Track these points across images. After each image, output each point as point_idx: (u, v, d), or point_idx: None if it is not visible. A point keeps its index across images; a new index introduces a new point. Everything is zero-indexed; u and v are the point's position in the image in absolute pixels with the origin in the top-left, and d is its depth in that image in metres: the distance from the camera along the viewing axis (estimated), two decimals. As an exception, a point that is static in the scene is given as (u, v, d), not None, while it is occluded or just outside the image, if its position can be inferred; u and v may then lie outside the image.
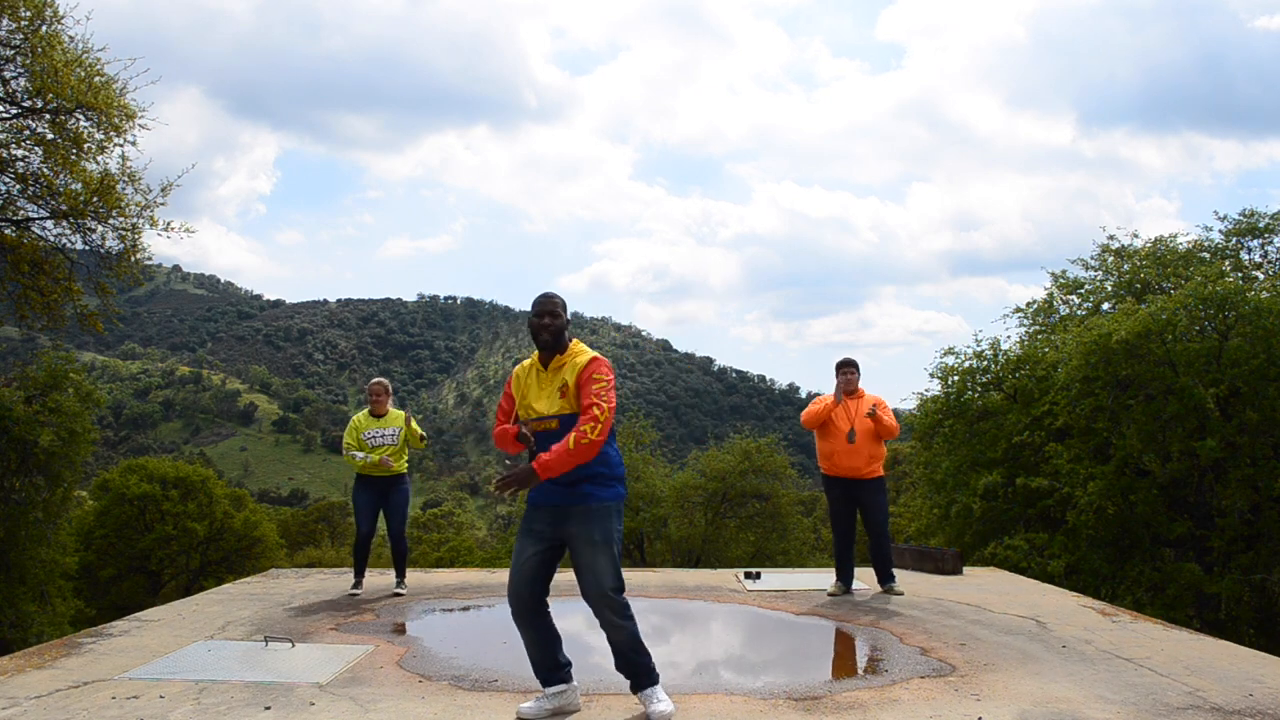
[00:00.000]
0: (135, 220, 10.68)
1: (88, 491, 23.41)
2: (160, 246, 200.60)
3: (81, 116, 10.07)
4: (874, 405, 6.26)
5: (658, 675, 3.57)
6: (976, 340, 13.81)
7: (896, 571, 7.01)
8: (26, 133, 10.25)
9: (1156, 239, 13.51)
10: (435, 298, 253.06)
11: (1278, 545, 10.09)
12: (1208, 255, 12.89)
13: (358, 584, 6.67)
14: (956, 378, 13.34)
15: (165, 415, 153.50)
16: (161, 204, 10.72)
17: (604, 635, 3.54)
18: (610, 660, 3.58)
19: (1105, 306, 13.22)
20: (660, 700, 3.49)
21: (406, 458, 6.70)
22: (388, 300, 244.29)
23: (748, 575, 7.19)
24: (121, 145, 10.38)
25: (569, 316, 3.67)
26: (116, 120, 10.15)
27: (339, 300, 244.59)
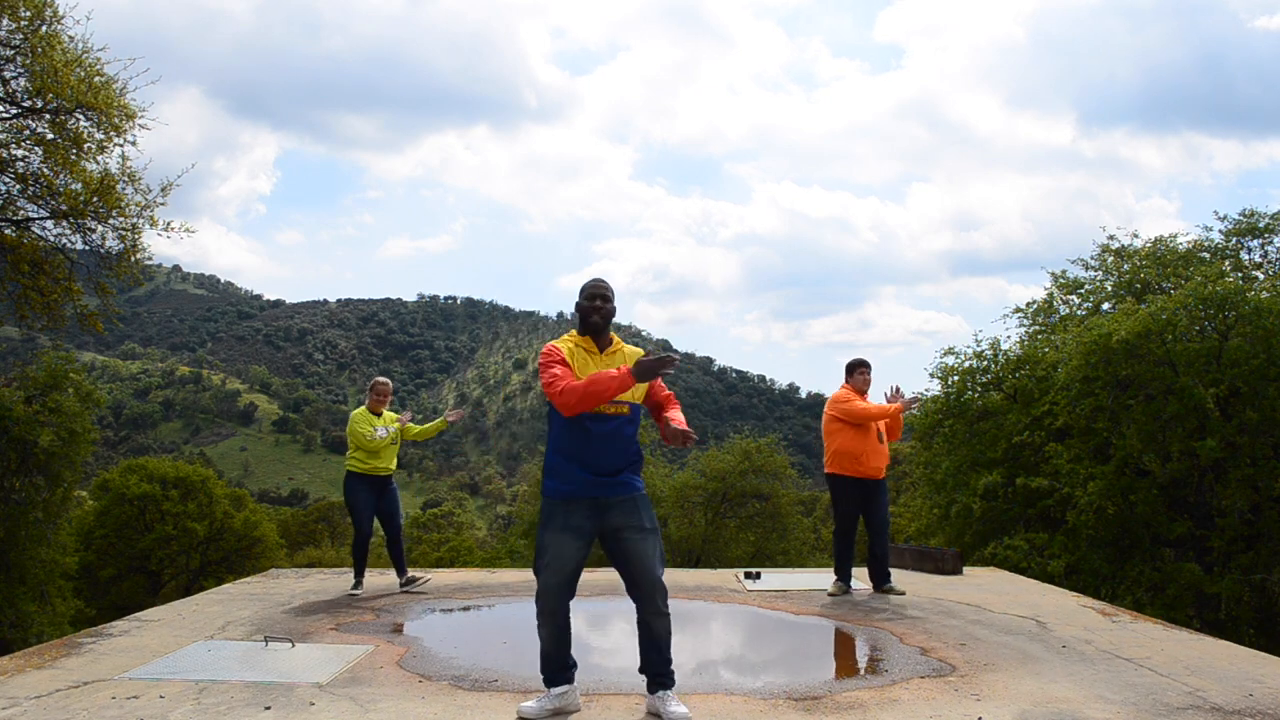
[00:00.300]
0: (135, 220, 10.69)
1: (88, 491, 23.42)
2: (160, 246, 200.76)
3: (81, 116, 10.07)
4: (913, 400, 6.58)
5: (675, 679, 3.61)
6: (976, 340, 13.84)
7: (896, 571, 7.03)
8: (26, 133, 10.26)
9: (1156, 239, 13.52)
10: (435, 298, 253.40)
11: (1278, 545, 10.09)
12: (1208, 255, 12.90)
13: (358, 584, 6.68)
14: (956, 378, 13.34)
15: (165, 415, 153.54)
16: (161, 204, 10.74)
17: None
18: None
19: (1105, 306, 13.22)
20: (679, 704, 3.50)
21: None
22: (388, 300, 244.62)
23: (748, 575, 7.20)
24: (121, 145, 10.40)
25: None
26: (116, 120, 10.15)
27: (339, 300, 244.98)
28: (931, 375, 13.66)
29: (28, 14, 9.56)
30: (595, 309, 3.58)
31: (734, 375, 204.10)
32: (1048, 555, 10.99)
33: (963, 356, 13.46)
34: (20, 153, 10.37)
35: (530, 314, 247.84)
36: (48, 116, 10.01)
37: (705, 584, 6.96)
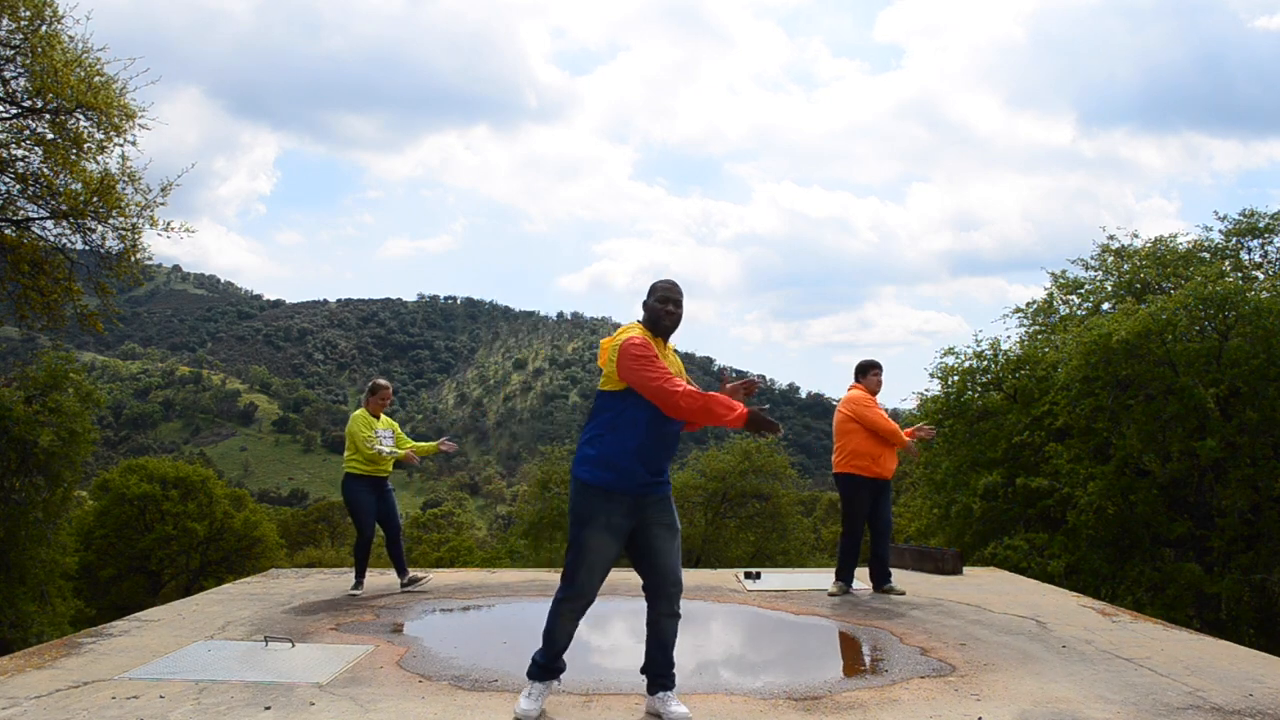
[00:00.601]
0: (135, 220, 10.69)
1: (88, 491, 23.41)
2: (160, 246, 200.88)
3: (81, 116, 10.07)
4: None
5: (676, 680, 3.62)
6: (976, 340, 13.82)
7: (896, 571, 7.03)
8: (26, 133, 10.26)
9: (1156, 239, 13.51)
10: (435, 298, 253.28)
11: (1278, 545, 10.09)
12: (1208, 255, 12.89)
13: (358, 584, 6.67)
14: (956, 378, 13.34)
15: (165, 415, 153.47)
16: (161, 204, 10.74)
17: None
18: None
19: (1105, 306, 13.22)
20: (679, 705, 3.51)
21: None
22: (388, 300, 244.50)
23: (748, 575, 7.19)
24: (121, 145, 10.40)
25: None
26: (116, 120, 10.15)
27: (339, 300, 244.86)
28: (931, 375, 13.67)
29: (28, 14, 9.56)
30: (668, 313, 3.60)
31: (734, 375, 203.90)
32: (1048, 555, 10.99)
33: (963, 356, 13.46)
34: (20, 153, 10.37)
35: (530, 314, 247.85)
36: (48, 116, 10.01)
37: (705, 584, 6.95)
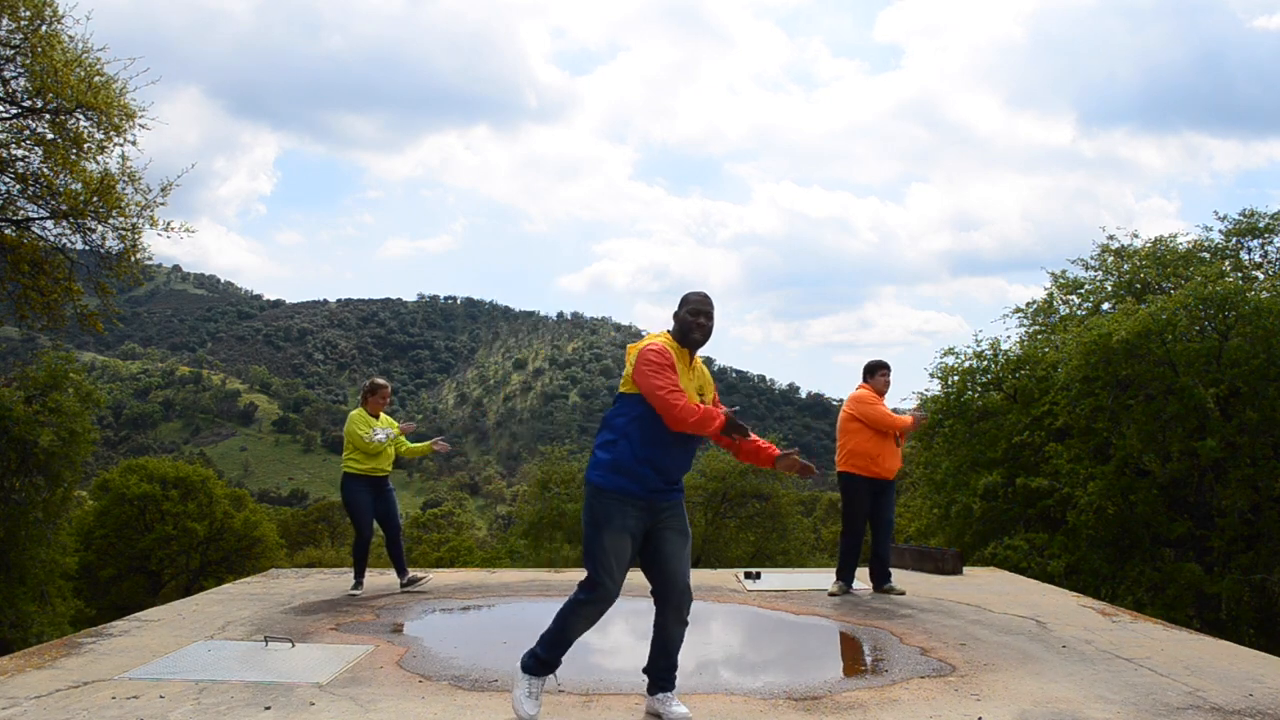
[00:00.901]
0: (135, 220, 10.69)
1: (88, 491, 23.42)
2: (160, 246, 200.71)
3: (81, 116, 10.07)
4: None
5: (676, 681, 3.64)
6: (976, 340, 13.80)
7: (896, 571, 7.03)
8: (26, 133, 10.26)
9: (1156, 239, 13.50)
10: (435, 298, 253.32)
11: (1278, 545, 10.09)
12: (1208, 255, 12.88)
13: (358, 584, 6.67)
14: (956, 378, 13.33)
15: (165, 415, 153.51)
16: (161, 204, 10.73)
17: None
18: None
19: (1105, 306, 13.21)
20: (679, 705, 3.52)
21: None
22: (388, 300, 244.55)
23: (748, 575, 7.19)
24: (121, 145, 10.39)
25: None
26: (116, 120, 10.15)
27: (339, 300, 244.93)
28: (931, 375, 13.66)
29: (28, 14, 9.56)
30: (698, 325, 3.58)
31: (734, 375, 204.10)
32: (1048, 555, 10.98)
33: (963, 356, 13.45)
34: (20, 153, 10.37)
35: (530, 314, 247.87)
36: (48, 116, 10.01)
37: (705, 584, 6.95)
